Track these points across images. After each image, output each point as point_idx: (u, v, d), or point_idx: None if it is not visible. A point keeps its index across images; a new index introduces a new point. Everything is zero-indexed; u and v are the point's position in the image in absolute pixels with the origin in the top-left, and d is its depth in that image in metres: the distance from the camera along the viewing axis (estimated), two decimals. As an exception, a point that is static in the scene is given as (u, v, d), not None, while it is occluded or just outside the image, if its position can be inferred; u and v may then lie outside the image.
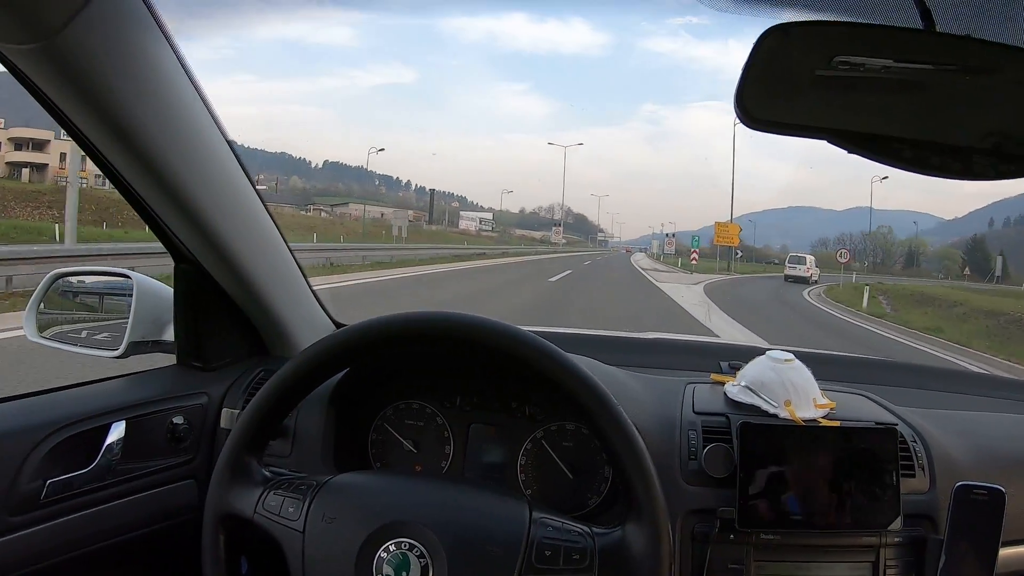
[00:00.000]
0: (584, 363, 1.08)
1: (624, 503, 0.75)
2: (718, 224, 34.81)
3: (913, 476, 0.97)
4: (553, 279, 17.35)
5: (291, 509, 0.74)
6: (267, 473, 0.79)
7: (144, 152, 0.82)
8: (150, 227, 1.02)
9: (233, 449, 0.78)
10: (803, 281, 29.03)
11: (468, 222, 73.93)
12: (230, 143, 0.96)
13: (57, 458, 0.89)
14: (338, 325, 1.35)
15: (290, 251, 1.15)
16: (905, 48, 0.57)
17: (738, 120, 0.61)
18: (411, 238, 34.31)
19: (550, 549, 0.72)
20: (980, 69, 0.55)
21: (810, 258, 33.52)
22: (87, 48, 0.69)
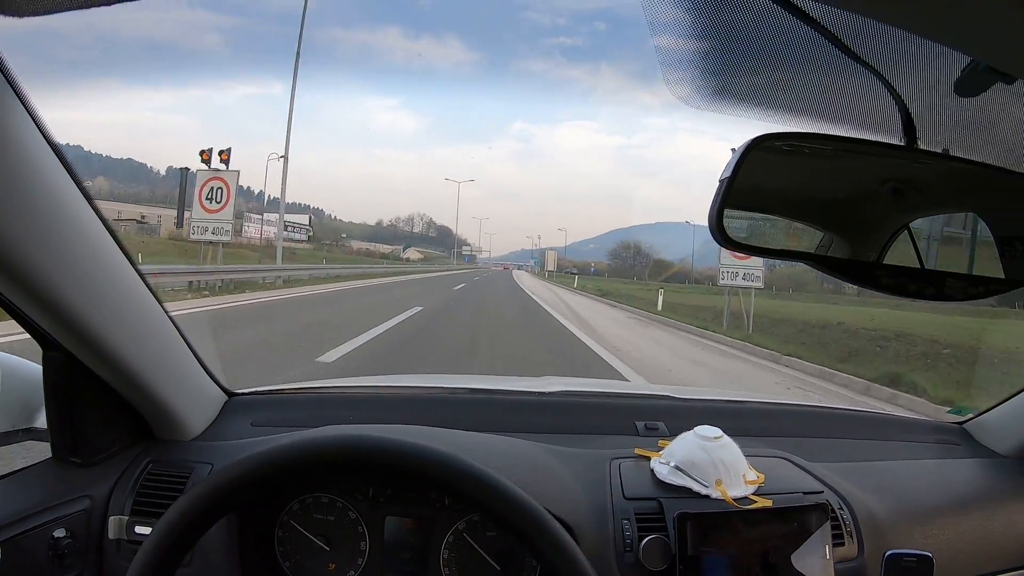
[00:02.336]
0: (504, 445, 1.01)
1: None
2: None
3: (843, 544, 0.98)
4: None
5: None
6: None
7: None
8: (7, 312, 0.84)
9: None
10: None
11: (260, 225, 44.46)
12: (90, 200, 0.79)
13: None
14: (229, 394, 1.23)
15: (169, 317, 1.01)
16: (888, 167, 0.55)
17: (715, 241, 0.55)
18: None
19: None
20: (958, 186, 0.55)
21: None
22: None
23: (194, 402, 1.10)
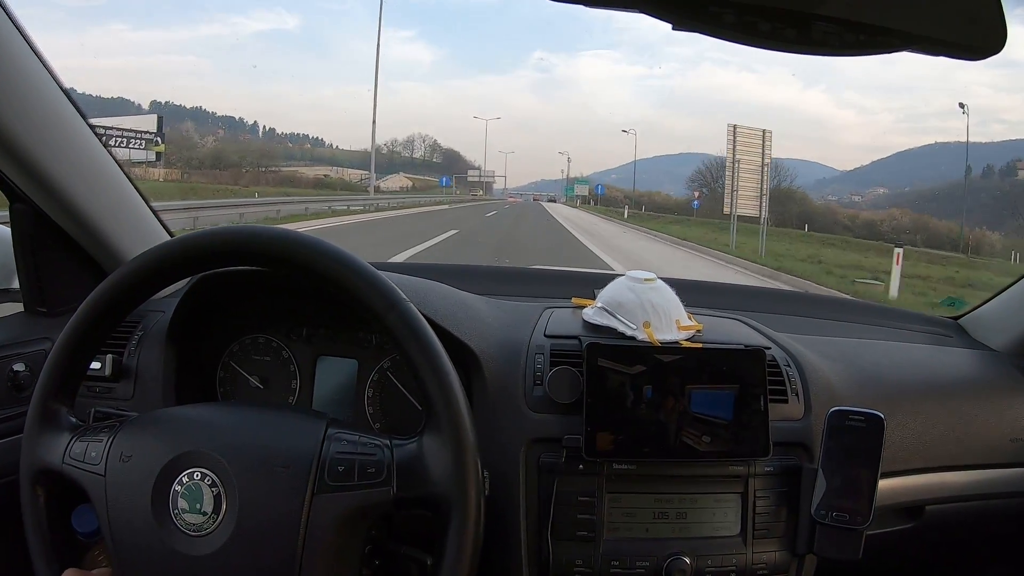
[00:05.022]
0: (453, 293, 1.02)
1: (425, 413, 0.69)
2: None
3: (786, 402, 0.91)
4: None
5: (93, 453, 0.69)
6: (73, 419, 0.74)
7: None
8: None
9: (39, 398, 0.72)
10: None
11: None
12: (48, 68, 0.88)
13: None
14: None
15: (130, 180, 1.07)
16: None
17: None
18: None
19: (344, 464, 0.66)
20: None
21: None
22: None
23: None
